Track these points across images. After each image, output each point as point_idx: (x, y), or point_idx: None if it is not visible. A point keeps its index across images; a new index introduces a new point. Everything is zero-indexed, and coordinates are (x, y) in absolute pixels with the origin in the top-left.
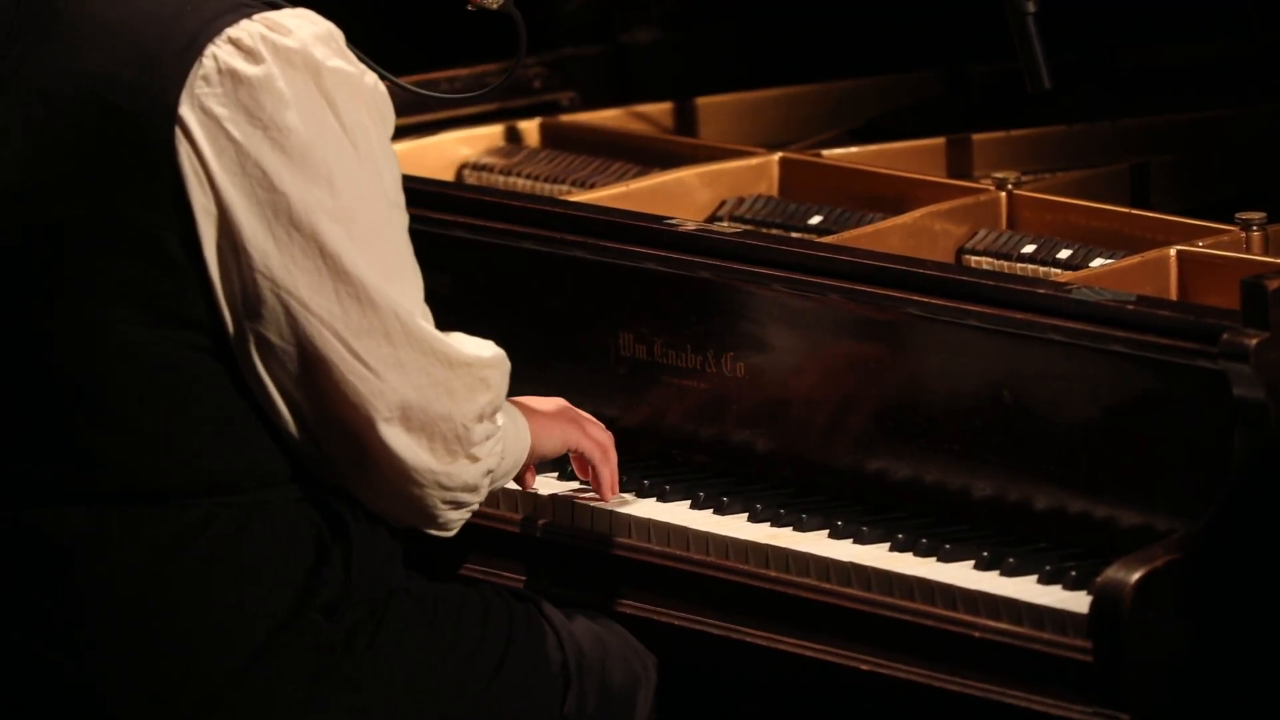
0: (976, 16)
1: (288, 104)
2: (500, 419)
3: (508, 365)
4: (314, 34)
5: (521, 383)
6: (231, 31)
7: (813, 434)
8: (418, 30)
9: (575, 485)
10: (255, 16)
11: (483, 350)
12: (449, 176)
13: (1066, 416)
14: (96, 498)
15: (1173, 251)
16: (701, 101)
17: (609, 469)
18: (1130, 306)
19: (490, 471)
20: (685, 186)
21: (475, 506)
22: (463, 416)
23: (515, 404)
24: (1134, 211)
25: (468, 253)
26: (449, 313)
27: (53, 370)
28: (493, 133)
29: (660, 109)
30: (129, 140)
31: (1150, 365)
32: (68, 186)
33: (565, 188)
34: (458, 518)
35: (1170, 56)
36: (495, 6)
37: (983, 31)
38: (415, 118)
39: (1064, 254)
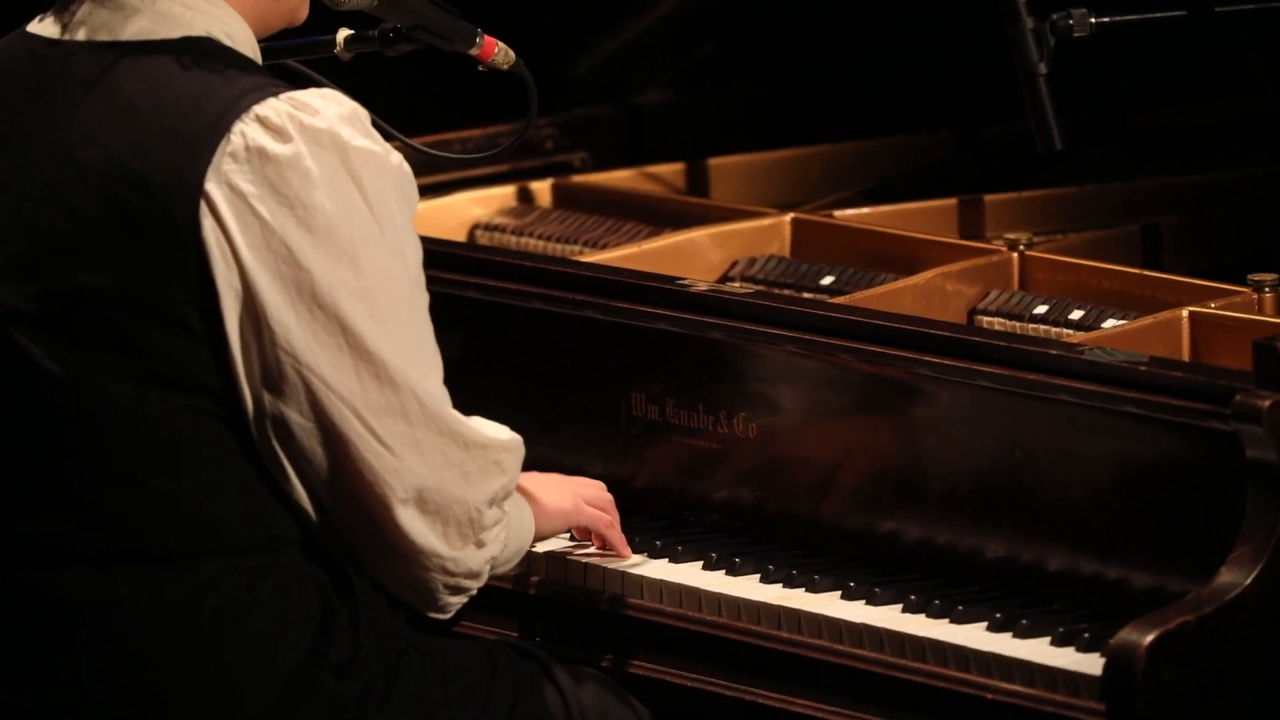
0: (988, 77)
1: (315, 182)
2: (508, 505)
3: (522, 450)
4: (340, 114)
5: (532, 444)
6: (259, 110)
7: (825, 495)
8: (429, 91)
9: (588, 545)
10: (282, 95)
11: (499, 433)
12: (461, 237)
13: (1079, 477)
14: (103, 558)
15: (1185, 313)
16: (713, 162)
17: (615, 533)
18: (1142, 368)
19: (493, 558)
20: (697, 247)
21: (474, 592)
22: (476, 500)
23: (518, 487)
24: (1145, 273)
25: (480, 313)
26: (461, 374)
27: (61, 431)
28: (505, 193)
29: (672, 170)
30: (154, 212)
31: (1163, 426)
32: (89, 254)
33: (577, 248)
34: (456, 602)
35: (1181, 118)
36: (507, 68)
37: (994, 92)
38: (428, 178)
39: (1076, 315)
